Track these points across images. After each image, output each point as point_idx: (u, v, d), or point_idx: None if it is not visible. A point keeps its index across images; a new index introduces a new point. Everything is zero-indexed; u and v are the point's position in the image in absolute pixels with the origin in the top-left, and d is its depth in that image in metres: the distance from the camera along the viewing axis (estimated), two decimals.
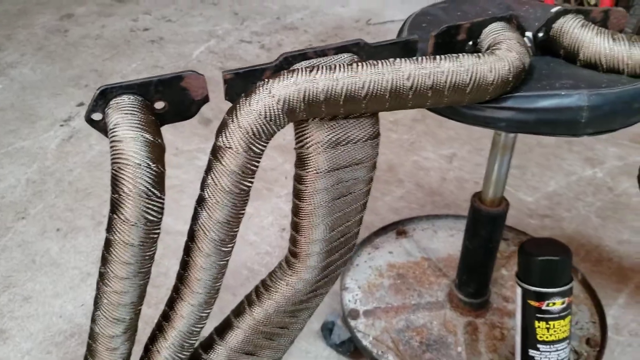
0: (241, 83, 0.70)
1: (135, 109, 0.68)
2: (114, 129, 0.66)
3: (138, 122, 0.67)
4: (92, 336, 0.75)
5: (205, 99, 0.73)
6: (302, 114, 0.66)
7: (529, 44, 0.78)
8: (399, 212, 1.49)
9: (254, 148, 0.67)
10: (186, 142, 1.74)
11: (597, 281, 1.28)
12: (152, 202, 0.66)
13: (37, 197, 1.54)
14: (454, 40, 0.74)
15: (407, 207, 1.52)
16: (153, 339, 0.79)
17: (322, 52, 0.72)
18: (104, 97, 0.69)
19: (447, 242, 1.26)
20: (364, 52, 0.72)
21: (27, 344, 1.17)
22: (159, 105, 0.72)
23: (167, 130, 1.87)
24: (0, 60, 2.20)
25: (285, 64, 0.71)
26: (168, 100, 0.71)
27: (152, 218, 0.67)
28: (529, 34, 0.78)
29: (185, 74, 0.71)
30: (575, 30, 0.76)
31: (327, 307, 1.23)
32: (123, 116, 0.67)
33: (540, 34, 0.78)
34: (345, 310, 1.11)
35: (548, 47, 0.80)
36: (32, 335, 1.18)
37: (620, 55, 0.73)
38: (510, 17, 0.77)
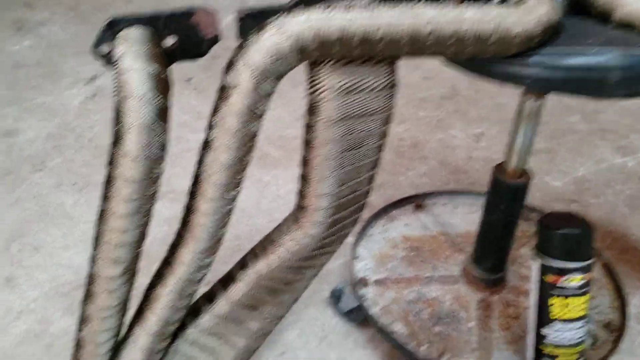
0: (255, 23, 0.67)
1: (143, 41, 0.65)
2: (119, 59, 0.64)
3: (144, 53, 0.64)
4: (91, 278, 0.73)
5: (216, 39, 0.70)
6: (313, 53, 0.63)
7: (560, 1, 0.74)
8: (421, 188, 1.45)
9: (262, 88, 0.64)
10: (209, 106, 1.71)
11: (622, 269, 1.22)
12: (155, 136, 0.64)
13: (56, 151, 1.54)
14: None
15: (429, 183, 1.48)
16: (152, 286, 0.77)
17: None
18: (112, 28, 0.67)
19: (467, 218, 1.22)
20: None
21: (34, 292, 1.16)
22: (170, 41, 0.69)
23: (190, 96, 1.84)
24: (30, 19, 2.21)
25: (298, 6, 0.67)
26: (178, 36, 0.69)
27: (154, 152, 0.64)
28: None
29: (195, 10, 0.68)
30: None
31: (338, 275, 1.20)
32: (129, 47, 0.64)
33: None
34: (354, 278, 1.08)
35: (580, 6, 0.76)
36: (39, 284, 1.18)
37: None
38: None
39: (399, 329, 1.00)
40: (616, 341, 0.98)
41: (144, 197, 0.68)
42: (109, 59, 0.67)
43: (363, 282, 1.07)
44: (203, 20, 0.68)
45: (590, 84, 0.67)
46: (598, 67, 0.66)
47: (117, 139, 0.64)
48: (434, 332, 0.99)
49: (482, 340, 0.98)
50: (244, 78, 0.63)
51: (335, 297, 1.11)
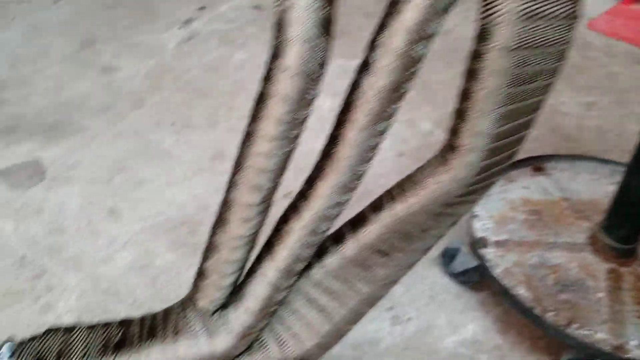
0: None
1: None
2: None
3: None
4: (226, 204, 0.70)
5: None
6: None
7: None
8: (532, 152, 1.37)
9: (440, 1, 0.58)
10: None
11: None
12: (318, 51, 0.59)
13: (155, 89, 1.52)
14: None
15: (540, 148, 1.39)
16: (285, 219, 0.73)
17: None
18: None
19: (590, 185, 1.13)
20: None
21: (137, 226, 1.15)
22: None
23: None
24: None
25: None
26: None
27: (314, 69, 0.59)
28: None
29: None
30: None
31: (449, 234, 1.14)
32: None
33: None
34: (473, 237, 1.02)
35: None
36: (143, 218, 1.16)
37: None
38: None
39: (522, 292, 0.93)
40: None
41: (295, 120, 0.63)
42: None
43: (483, 242, 1.01)
44: None
45: None
46: None
47: (276, 53, 0.60)
48: (560, 299, 0.93)
49: (613, 312, 0.91)
50: None
51: (449, 256, 1.05)
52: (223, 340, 0.76)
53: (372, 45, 0.62)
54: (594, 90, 1.61)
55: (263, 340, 0.80)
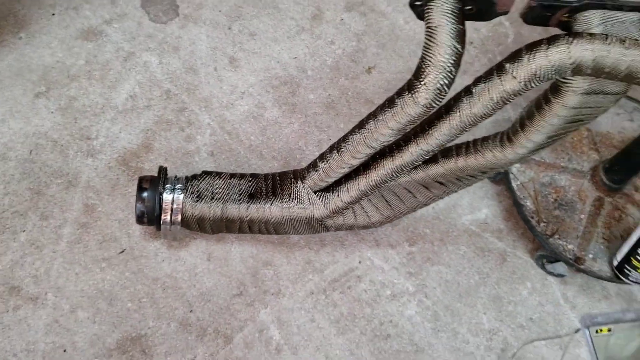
0: (544, 11, 0.83)
1: (454, 15, 0.83)
2: (433, 30, 0.83)
3: (454, 30, 0.83)
4: (359, 129, 1.01)
5: (506, 13, 0.87)
6: (585, 71, 0.81)
7: None
8: None
9: (528, 85, 0.84)
10: None
11: None
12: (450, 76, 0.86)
13: None
14: None
15: None
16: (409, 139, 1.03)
17: (618, 6, 0.83)
18: None
19: (611, 119, 1.41)
20: None
21: (252, 78, 1.45)
22: (469, 5, 0.86)
23: None
24: None
25: (584, 7, 0.82)
26: (477, 6, 0.85)
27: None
28: None
29: None
30: None
31: None
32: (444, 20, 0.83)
33: None
34: None
35: None
36: (255, 71, 1.46)
37: None
38: None
39: (528, 204, 1.30)
40: None
41: (416, 120, 0.93)
42: (419, 14, 0.85)
43: None
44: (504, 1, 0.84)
45: None
46: None
47: (417, 74, 0.87)
48: (553, 215, 1.30)
49: (586, 231, 1.29)
50: (521, 72, 0.82)
51: None
52: (321, 212, 1.14)
53: (476, 85, 0.89)
54: None
55: (346, 211, 1.18)
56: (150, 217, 1.13)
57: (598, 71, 0.80)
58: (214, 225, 1.16)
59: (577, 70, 0.80)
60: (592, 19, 0.84)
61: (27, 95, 1.36)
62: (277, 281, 1.23)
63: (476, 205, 1.38)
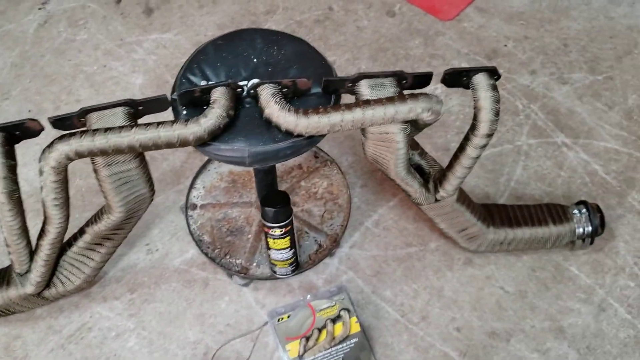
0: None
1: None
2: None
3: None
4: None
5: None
6: (77, 157, 1.23)
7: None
8: None
9: (61, 165, 1.26)
10: (129, 33, 2.24)
11: (376, 187, 1.84)
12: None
13: (17, 80, 2.14)
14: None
15: None
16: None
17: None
18: None
19: None
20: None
21: None
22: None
23: (116, 21, 2.36)
24: None
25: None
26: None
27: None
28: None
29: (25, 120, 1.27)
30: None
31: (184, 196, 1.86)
32: None
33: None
34: (188, 203, 1.75)
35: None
36: None
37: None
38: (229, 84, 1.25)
39: (205, 238, 1.69)
40: (334, 244, 1.66)
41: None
42: None
43: (193, 206, 1.74)
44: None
45: (234, 161, 1.26)
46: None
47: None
48: (226, 241, 1.69)
49: (252, 247, 1.67)
50: (47, 164, 1.24)
51: (183, 210, 1.80)
52: (31, 289, 1.54)
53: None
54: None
55: (52, 284, 1.57)
56: None
57: (81, 154, 1.21)
58: None
59: (71, 158, 1.22)
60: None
61: None
62: (25, 348, 1.61)
63: (184, 249, 1.77)
